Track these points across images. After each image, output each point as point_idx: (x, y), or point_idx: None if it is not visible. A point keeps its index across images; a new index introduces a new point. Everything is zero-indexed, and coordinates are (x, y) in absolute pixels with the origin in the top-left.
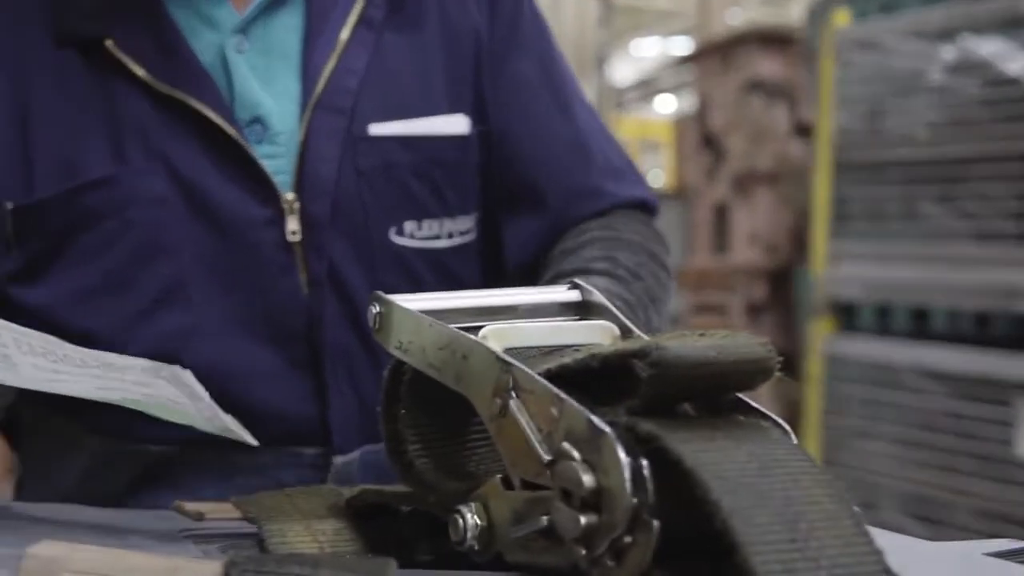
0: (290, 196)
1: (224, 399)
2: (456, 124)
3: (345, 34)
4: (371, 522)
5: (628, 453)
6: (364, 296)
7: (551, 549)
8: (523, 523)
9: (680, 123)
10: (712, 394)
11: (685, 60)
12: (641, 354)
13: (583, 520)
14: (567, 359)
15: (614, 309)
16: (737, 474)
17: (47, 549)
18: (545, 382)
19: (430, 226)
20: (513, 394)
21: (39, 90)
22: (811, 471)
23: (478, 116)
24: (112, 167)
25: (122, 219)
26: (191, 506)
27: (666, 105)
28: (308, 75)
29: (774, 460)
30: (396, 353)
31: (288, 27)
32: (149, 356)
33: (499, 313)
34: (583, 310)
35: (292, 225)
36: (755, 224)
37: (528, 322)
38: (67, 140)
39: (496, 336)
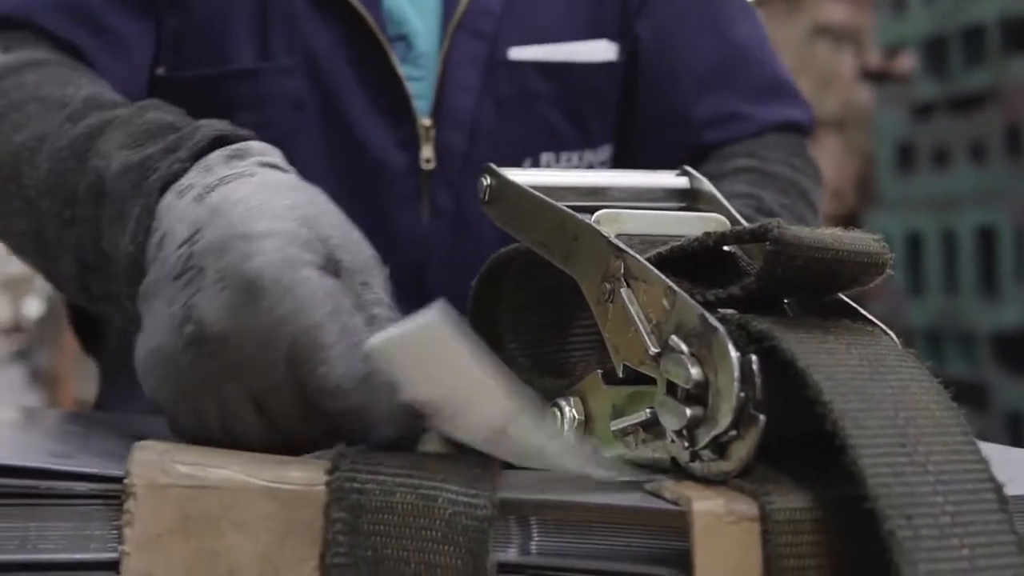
0: (427, 122)
1: None
2: (602, 50)
3: None
4: None
5: (738, 349)
6: (486, 232)
7: (650, 442)
8: (623, 416)
9: None
10: (826, 284)
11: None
12: (761, 231)
13: (688, 412)
14: (679, 244)
15: (723, 199)
16: (848, 377)
17: (157, 443)
18: (659, 273)
19: (568, 158)
20: (624, 281)
21: None
22: (921, 379)
23: (624, 40)
24: (256, 60)
25: (259, 116)
26: None
27: None
28: None
29: (884, 366)
30: (505, 227)
31: None
32: None
33: (607, 193)
34: (690, 197)
35: (427, 152)
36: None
37: (641, 209)
38: (217, 23)
39: (608, 220)
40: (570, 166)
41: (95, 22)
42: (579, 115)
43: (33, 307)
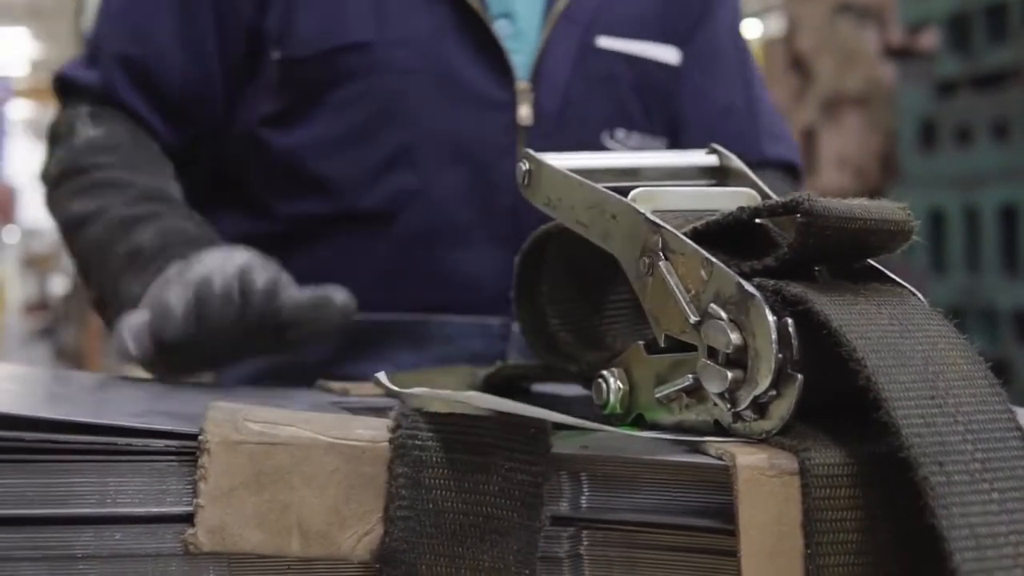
0: (524, 85)
1: (429, 263)
2: (670, 54)
3: None
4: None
5: (774, 313)
6: None
7: (693, 407)
8: (666, 384)
9: (768, 46)
10: (855, 252)
11: None
12: (792, 204)
13: (730, 375)
14: (715, 217)
15: (752, 175)
16: (880, 335)
17: (229, 404)
18: (695, 246)
19: (638, 139)
20: (662, 255)
21: None
22: (948, 335)
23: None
24: (371, 32)
25: (370, 82)
26: (336, 385)
27: (754, 28)
28: None
29: (913, 324)
30: (545, 209)
31: None
32: (376, 211)
33: (641, 173)
34: (721, 174)
35: (524, 111)
36: (843, 148)
37: (675, 187)
38: (332, 3)
39: (645, 198)
40: (638, 144)
41: (161, 98)
42: (649, 104)
43: (58, 285)
